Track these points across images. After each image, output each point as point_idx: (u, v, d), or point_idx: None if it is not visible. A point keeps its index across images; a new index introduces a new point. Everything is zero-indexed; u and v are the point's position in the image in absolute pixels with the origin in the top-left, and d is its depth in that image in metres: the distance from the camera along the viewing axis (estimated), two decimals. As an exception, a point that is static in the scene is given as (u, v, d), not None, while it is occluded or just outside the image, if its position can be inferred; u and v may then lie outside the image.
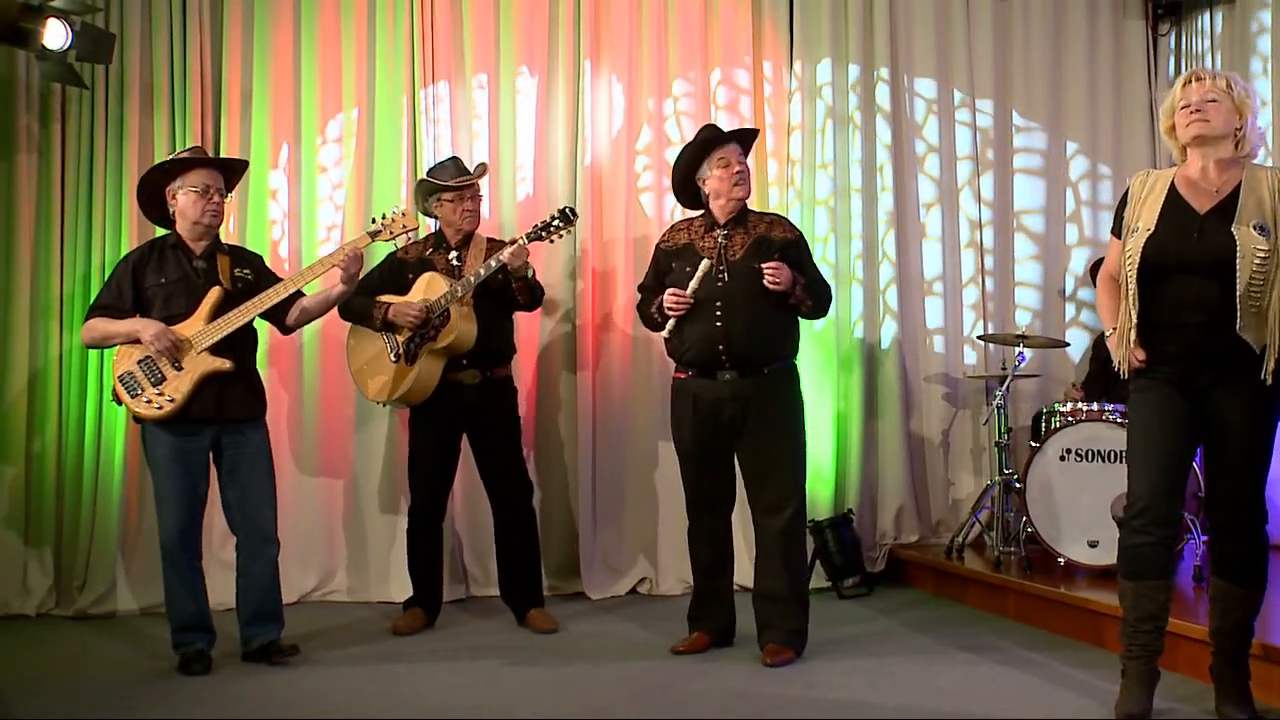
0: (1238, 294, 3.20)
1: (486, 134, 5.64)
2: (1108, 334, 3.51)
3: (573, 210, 4.63)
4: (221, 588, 4.58)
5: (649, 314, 4.39)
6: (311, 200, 5.52)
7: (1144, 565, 3.35)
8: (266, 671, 4.09)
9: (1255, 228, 3.22)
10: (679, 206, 5.71)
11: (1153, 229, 3.31)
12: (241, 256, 4.40)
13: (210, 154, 5.33)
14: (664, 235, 4.52)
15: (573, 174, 5.70)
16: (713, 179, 4.29)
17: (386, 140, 5.54)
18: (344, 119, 5.56)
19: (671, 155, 5.71)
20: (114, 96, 5.32)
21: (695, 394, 4.24)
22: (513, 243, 4.58)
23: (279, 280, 4.33)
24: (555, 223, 4.61)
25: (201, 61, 5.40)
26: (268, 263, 4.63)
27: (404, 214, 4.42)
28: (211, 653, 4.14)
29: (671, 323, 4.23)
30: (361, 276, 4.37)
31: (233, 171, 4.41)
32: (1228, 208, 3.27)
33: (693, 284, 4.15)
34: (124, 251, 5.22)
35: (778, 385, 4.24)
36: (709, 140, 4.37)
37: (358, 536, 5.45)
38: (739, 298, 4.14)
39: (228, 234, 5.24)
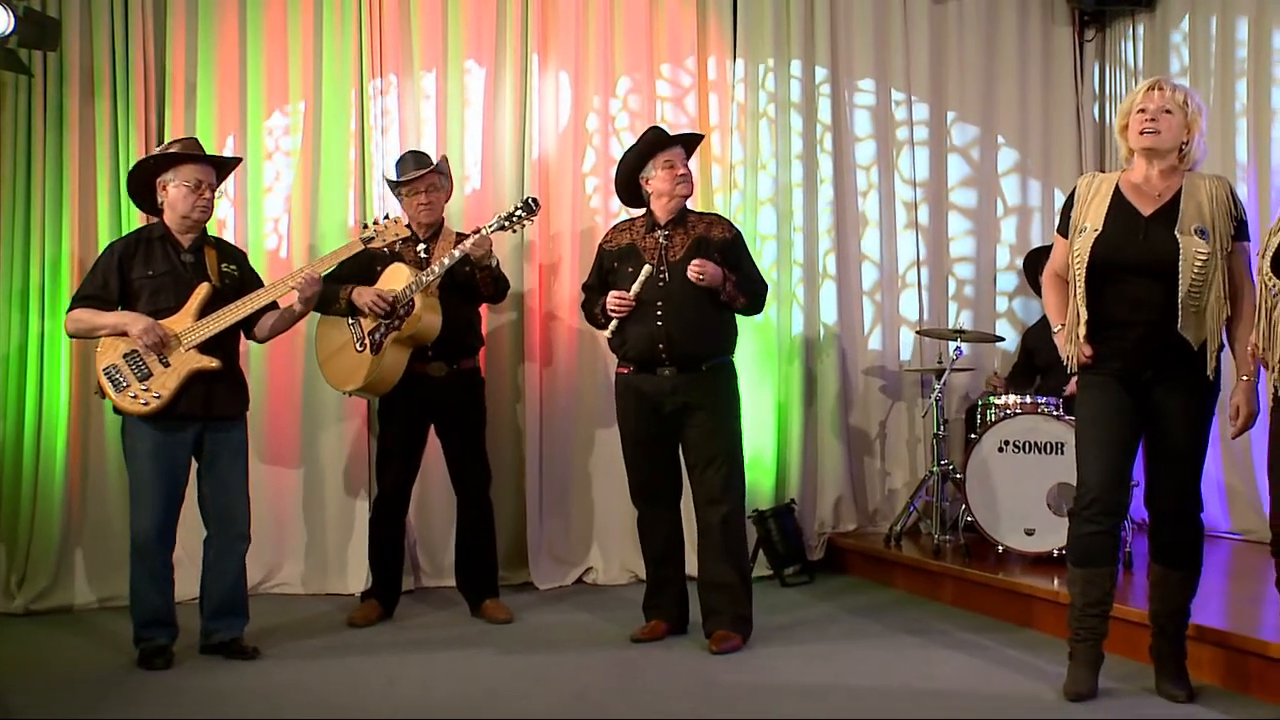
0: (1179, 295, 3.39)
1: (434, 127, 5.64)
2: (1055, 330, 3.68)
3: (535, 201, 4.68)
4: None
5: (593, 313, 4.52)
6: (258, 192, 5.46)
7: (1093, 553, 3.54)
8: (236, 666, 4.09)
9: (1196, 232, 3.41)
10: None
11: (1100, 229, 3.48)
12: (228, 251, 4.39)
13: (154, 144, 5.27)
14: (607, 235, 4.64)
15: (520, 167, 5.74)
16: (656, 179, 4.42)
17: (334, 133, 5.51)
18: (291, 111, 5.51)
19: (617, 150, 5.84)
20: (53, 84, 5.19)
21: (637, 388, 4.39)
22: (475, 233, 4.63)
23: (260, 281, 4.36)
24: (518, 213, 4.66)
25: (144, 49, 5.30)
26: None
27: (396, 220, 4.47)
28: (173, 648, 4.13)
29: (615, 323, 4.37)
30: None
31: (225, 168, 4.42)
32: (1170, 212, 3.46)
33: (635, 287, 4.30)
34: (64, 244, 5.18)
35: (716, 381, 4.39)
36: (654, 142, 4.50)
37: (309, 528, 5.44)
38: (679, 298, 4.29)
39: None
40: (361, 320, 4.65)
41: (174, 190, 4.18)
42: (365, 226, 4.50)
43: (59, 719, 3.59)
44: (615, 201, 5.76)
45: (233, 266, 4.30)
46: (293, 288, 4.23)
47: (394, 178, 4.91)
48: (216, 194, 4.29)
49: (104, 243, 5.19)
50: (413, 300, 4.57)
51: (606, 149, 5.83)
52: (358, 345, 4.66)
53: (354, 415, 5.44)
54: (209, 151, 5.10)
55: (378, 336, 4.61)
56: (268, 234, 5.47)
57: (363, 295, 4.59)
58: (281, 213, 5.51)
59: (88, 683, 3.93)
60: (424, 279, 4.56)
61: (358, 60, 5.53)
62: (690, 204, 4.56)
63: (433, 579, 5.49)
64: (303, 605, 5.12)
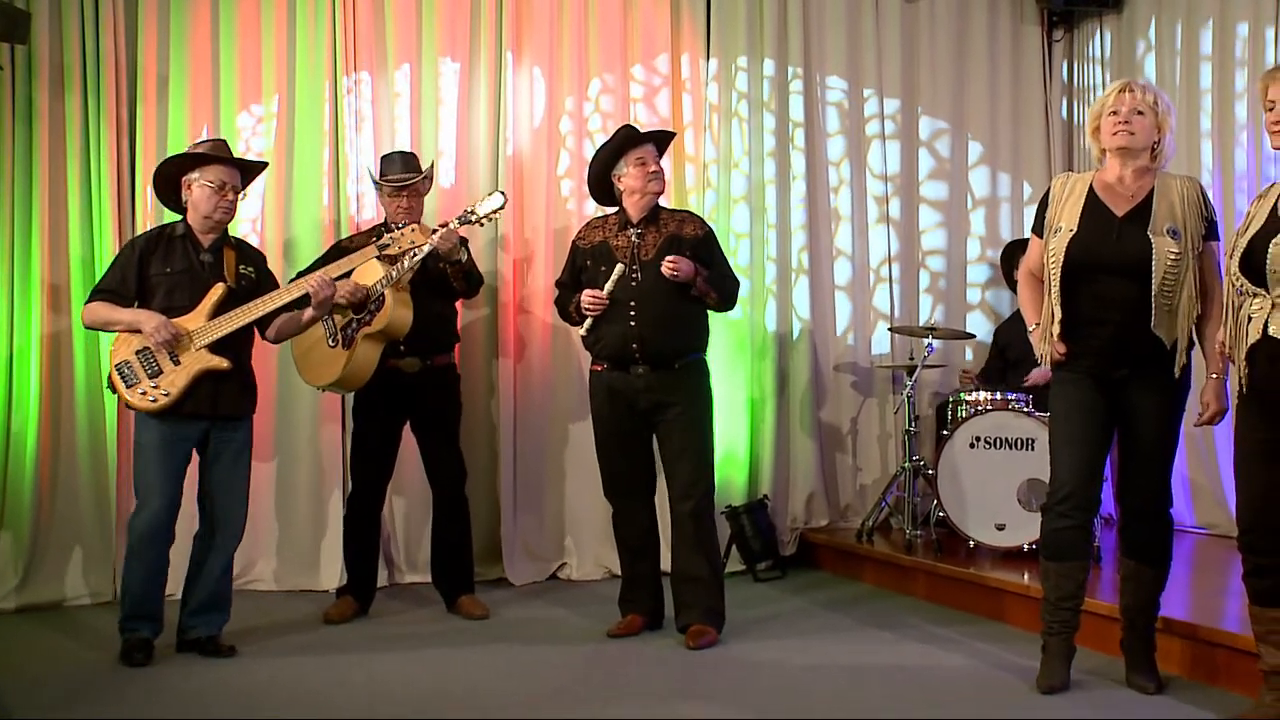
0: (1152, 294, 3.45)
1: (408, 124, 5.64)
2: (1030, 329, 3.73)
3: (503, 194, 4.69)
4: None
5: (567, 310, 4.55)
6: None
7: (1066, 548, 3.59)
8: (214, 664, 4.08)
9: (1168, 232, 3.48)
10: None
11: (1075, 229, 3.54)
12: (246, 252, 4.42)
13: (126, 140, 5.29)
14: (580, 232, 4.67)
15: (494, 163, 5.75)
16: (629, 176, 4.46)
17: (308, 129, 5.49)
18: (264, 107, 5.49)
19: (590, 147, 5.84)
20: (21, 77, 5.14)
21: (610, 385, 4.43)
22: (443, 226, 4.63)
23: (276, 283, 4.39)
24: (485, 208, 4.66)
25: (116, 43, 5.25)
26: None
27: (414, 230, 4.51)
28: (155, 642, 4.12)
29: (589, 321, 4.40)
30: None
31: (251, 171, 4.46)
32: (1142, 212, 3.52)
33: (608, 286, 4.34)
34: (33, 239, 5.15)
35: (688, 379, 4.43)
36: (626, 139, 4.53)
37: (283, 525, 5.42)
38: (652, 297, 4.33)
39: (146, 215, 5.17)
40: (334, 316, 4.65)
41: (198, 190, 4.21)
42: (379, 235, 4.55)
43: (38, 719, 3.56)
44: (590, 204, 5.80)
45: (250, 268, 4.33)
46: (305, 290, 4.26)
47: (378, 173, 4.93)
48: (240, 196, 4.33)
49: (74, 238, 5.19)
50: (383, 295, 4.57)
51: (580, 149, 5.83)
52: (330, 341, 4.66)
53: (328, 411, 5.42)
54: (182, 149, 5.10)
55: (349, 332, 4.61)
56: (245, 233, 5.42)
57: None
58: (256, 210, 5.47)
59: (64, 680, 3.90)
60: (395, 274, 4.56)
61: (331, 56, 5.51)
62: (664, 202, 4.59)
63: (407, 575, 5.50)
64: (277, 602, 5.11)
